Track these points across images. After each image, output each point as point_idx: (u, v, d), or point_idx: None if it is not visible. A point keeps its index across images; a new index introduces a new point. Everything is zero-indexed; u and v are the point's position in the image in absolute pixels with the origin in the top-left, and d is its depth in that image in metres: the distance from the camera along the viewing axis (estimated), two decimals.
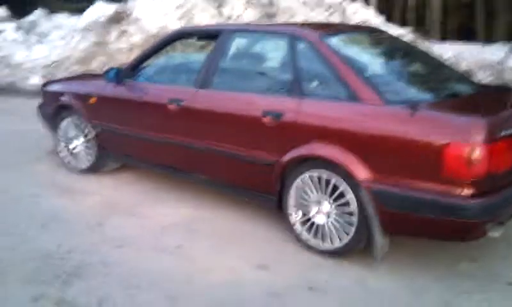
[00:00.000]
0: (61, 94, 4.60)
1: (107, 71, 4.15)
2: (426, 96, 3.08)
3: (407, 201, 2.70)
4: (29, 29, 12.17)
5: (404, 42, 4.14)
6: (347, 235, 2.96)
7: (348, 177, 2.87)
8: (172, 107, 3.66)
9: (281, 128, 3.13)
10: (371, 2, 14.11)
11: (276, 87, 3.31)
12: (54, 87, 4.80)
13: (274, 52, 3.57)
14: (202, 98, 3.56)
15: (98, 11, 10.83)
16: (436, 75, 3.56)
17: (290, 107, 3.11)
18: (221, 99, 3.49)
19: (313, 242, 3.12)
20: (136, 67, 4.13)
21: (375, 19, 11.37)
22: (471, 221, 2.59)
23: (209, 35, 3.93)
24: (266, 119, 3.17)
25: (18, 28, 11.80)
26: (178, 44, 4.09)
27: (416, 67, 3.63)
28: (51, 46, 11.03)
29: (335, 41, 3.28)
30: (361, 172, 2.81)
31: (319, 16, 10.91)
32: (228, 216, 3.66)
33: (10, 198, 4.01)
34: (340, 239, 3.00)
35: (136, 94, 3.97)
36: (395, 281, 2.84)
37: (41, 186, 4.28)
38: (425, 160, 2.63)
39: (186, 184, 4.10)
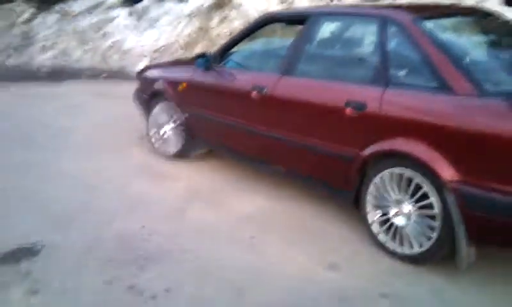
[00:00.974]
0: (154, 80, 4.73)
1: (196, 57, 4.18)
2: None
3: (498, 206, 2.40)
4: (141, 15, 12.81)
5: None
6: (429, 240, 2.70)
7: (433, 177, 2.61)
8: (254, 94, 3.60)
9: (363, 120, 2.93)
10: None
11: (361, 75, 3.09)
12: (148, 73, 4.95)
13: (362, 37, 3.35)
14: (284, 85, 3.44)
15: None
16: None
17: (374, 97, 2.89)
18: (303, 87, 3.35)
19: (391, 244, 2.90)
20: (224, 53, 4.11)
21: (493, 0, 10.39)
22: None
23: (297, 19, 3.79)
24: (348, 110, 2.99)
25: (131, 14, 12.46)
26: (267, 29, 3.98)
27: None
28: (160, 31, 11.52)
29: (430, 25, 2.97)
30: (448, 172, 2.54)
31: None
32: (304, 210, 3.54)
33: (104, 179, 4.22)
34: (420, 244, 2.76)
35: (222, 80, 3.96)
36: (476, 295, 2.55)
37: (133, 169, 4.46)
38: None
39: (266, 175, 4.04)
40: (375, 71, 2.98)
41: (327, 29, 3.50)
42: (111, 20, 12.18)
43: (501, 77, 2.80)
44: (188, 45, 10.32)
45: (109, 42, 11.57)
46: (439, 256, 2.72)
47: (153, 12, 12.98)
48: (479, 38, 3.32)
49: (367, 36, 3.25)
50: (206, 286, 2.69)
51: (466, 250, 2.57)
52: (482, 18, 3.54)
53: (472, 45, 3.13)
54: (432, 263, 2.76)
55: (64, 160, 4.71)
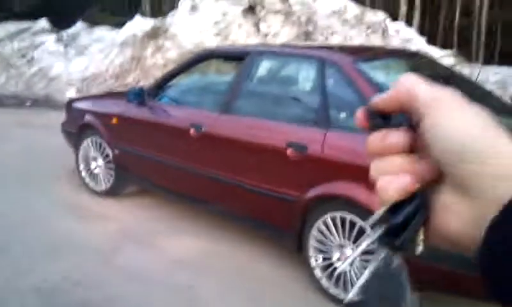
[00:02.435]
0: (85, 112, 4.47)
1: (129, 91, 3.99)
2: None
3: (440, 253, 2.38)
4: (70, 42, 12.36)
5: (446, 68, 3.81)
6: None
7: None
8: (192, 131, 3.45)
9: (304, 162, 2.86)
10: (414, 23, 13.69)
11: (302, 116, 3.04)
12: (78, 105, 4.68)
13: (301, 77, 3.33)
14: (223, 123, 3.33)
15: (137, 26, 10.87)
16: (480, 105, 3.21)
17: (315, 140, 2.84)
18: (242, 126, 3.26)
19: (334, 291, 2.82)
20: (160, 87, 3.95)
21: (417, 40, 10.97)
22: None
23: (236, 56, 3.72)
24: (289, 152, 2.91)
25: (59, 40, 11.99)
26: (205, 65, 3.89)
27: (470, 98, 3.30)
28: (89, 59, 11.14)
29: (368, 67, 3.00)
30: None
31: (358, 35, 10.60)
32: (244, 253, 3.40)
33: (23, 219, 3.88)
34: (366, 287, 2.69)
35: (157, 116, 3.78)
36: None
37: (58, 207, 4.15)
38: None
39: (204, 214, 3.86)
40: (315, 112, 2.94)
41: (266, 67, 3.45)
42: (37, 46, 11.65)
43: None
44: (120, 75, 10.03)
45: (34, 69, 11.03)
46: None
47: (83, 39, 12.58)
48: None
49: (306, 76, 3.23)
50: None
51: (409, 296, 2.52)
52: (412, 58, 3.64)
53: None
54: None
55: None
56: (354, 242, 2.71)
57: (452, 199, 0.37)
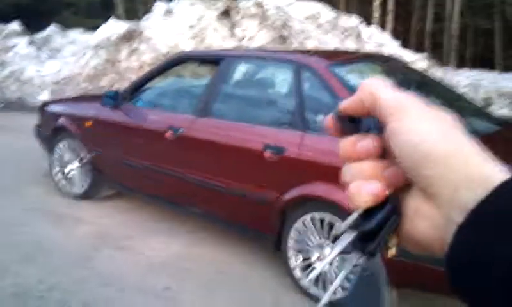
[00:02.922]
0: (59, 115, 4.40)
1: (104, 94, 3.95)
2: None
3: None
4: (42, 44, 12.16)
5: (419, 72, 3.89)
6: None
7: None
8: (169, 134, 3.44)
9: (282, 164, 2.88)
10: (387, 27, 13.90)
11: (278, 118, 3.06)
12: (52, 108, 4.61)
13: (278, 81, 3.35)
14: (200, 127, 3.33)
15: (111, 29, 10.77)
16: (451, 108, 3.29)
17: (293, 142, 2.87)
18: (220, 129, 3.25)
19: (314, 290, 2.84)
20: (135, 91, 3.92)
21: (390, 44, 11.15)
22: None
23: (212, 60, 3.72)
24: (267, 154, 2.93)
25: (31, 43, 11.78)
26: (181, 68, 3.87)
27: (430, 100, 3.36)
28: (63, 62, 10.98)
29: (343, 71, 3.04)
30: None
31: (333, 39, 10.71)
32: (222, 255, 3.39)
33: None
34: (344, 290, 2.72)
35: (132, 119, 3.76)
36: None
37: (32, 211, 4.07)
38: None
39: (181, 216, 3.84)
40: (292, 115, 2.96)
41: (242, 71, 3.46)
42: (9, 48, 11.42)
43: None
44: (94, 78, 9.91)
45: (6, 71, 10.81)
46: None
47: (56, 42, 12.40)
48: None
49: (282, 80, 3.26)
50: None
51: (388, 294, 2.56)
52: (385, 62, 3.70)
53: None
54: None
55: None
56: (333, 242, 2.73)
57: (421, 204, 0.37)
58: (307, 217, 2.81)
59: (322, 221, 2.76)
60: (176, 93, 4.06)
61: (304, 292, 2.88)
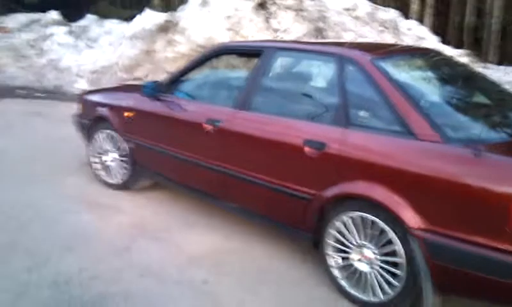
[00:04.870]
0: (98, 105, 4.44)
1: (144, 85, 3.96)
2: (494, 134, 2.69)
3: (465, 257, 2.33)
4: (80, 34, 12.35)
5: (465, 66, 3.75)
6: (393, 288, 2.61)
7: (396, 223, 2.53)
8: (208, 127, 3.42)
9: (322, 160, 2.82)
10: (425, 21, 13.56)
11: (320, 113, 2.99)
12: (92, 98, 4.65)
13: (319, 75, 3.27)
14: (240, 119, 3.29)
15: (147, 20, 10.83)
16: (504, 107, 3.16)
17: (335, 138, 2.80)
18: (260, 122, 3.21)
19: (352, 291, 2.79)
20: (174, 82, 3.91)
21: (429, 38, 10.88)
22: None
23: (252, 52, 3.67)
24: (307, 149, 2.87)
25: (69, 32, 11.98)
26: (220, 60, 3.85)
27: (480, 97, 3.24)
28: (100, 51, 11.12)
29: (388, 65, 2.94)
30: (413, 219, 2.46)
31: (371, 32, 10.52)
32: (259, 250, 3.37)
33: (37, 214, 3.85)
34: (383, 292, 2.66)
35: (172, 110, 3.75)
36: None
37: (72, 201, 4.11)
38: (488, 211, 2.27)
39: (218, 209, 3.83)
40: (334, 110, 2.89)
41: (283, 64, 3.40)
42: (48, 37, 11.63)
43: (460, 121, 2.78)
44: (130, 68, 10.00)
45: (44, 60, 11.02)
46: (404, 305, 2.63)
47: (93, 31, 12.55)
48: (434, 79, 3.32)
49: (323, 73, 3.18)
50: None
51: (432, 300, 2.49)
52: (427, 56, 3.57)
53: (428, 86, 3.12)
54: None
55: None
56: (374, 243, 2.67)
57: None
58: (348, 216, 2.75)
59: (363, 220, 2.69)
60: (215, 85, 4.03)
61: (343, 292, 2.83)
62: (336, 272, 2.86)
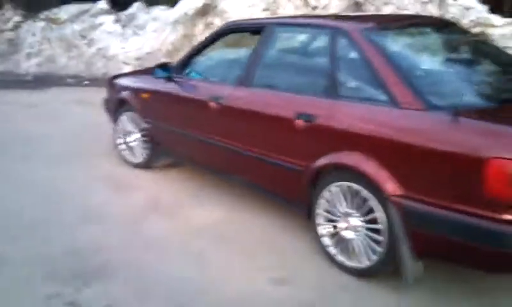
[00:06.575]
0: (121, 88, 4.68)
1: (156, 66, 4.14)
2: (482, 101, 2.64)
3: (441, 222, 2.34)
4: (128, 22, 12.77)
5: (477, 39, 3.63)
6: (375, 254, 2.65)
7: (377, 191, 2.57)
8: (212, 104, 3.55)
9: (312, 132, 2.88)
10: None
11: (311, 86, 3.05)
12: (116, 81, 4.90)
13: (314, 48, 3.30)
14: (239, 95, 3.40)
15: (188, 4, 11.05)
16: (503, 75, 3.08)
17: (323, 110, 2.85)
18: (256, 98, 3.31)
19: (340, 258, 2.85)
20: (186, 63, 4.06)
21: (478, 7, 10.39)
22: None
23: (255, 29, 3.74)
24: (298, 122, 2.94)
25: (117, 20, 12.41)
26: (230, 38, 3.95)
27: (481, 68, 3.15)
28: (145, 38, 11.48)
29: (381, 36, 2.92)
30: (392, 186, 2.49)
31: (413, 5, 10.19)
32: (261, 222, 3.48)
33: (67, 190, 4.17)
34: (368, 258, 2.71)
35: (181, 90, 3.91)
36: None
37: (98, 179, 4.40)
38: (463, 177, 2.26)
39: (229, 185, 3.97)
40: (325, 83, 2.93)
41: (280, 39, 3.45)
42: (97, 26, 12.12)
43: (451, 89, 2.73)
44: (172, 53, 10.27)
45: (93, 49, 11.52)
46: (386, 270, 2.67)
47: (140, 19, 12.93)
48: (433, 50, 3.25)
49: (317, 47, 3.20)
50: (147, 303, 2.63)
51: (411, 265, 2.51)
52: (440, 29, 3.50)
53: (423, 56, 3.07)
54: (382, 277, 2.71)
55: (30, 169, 4.66)
56: (358, 211, 2.71)
57: None
58: (335, 185, 2.80)
59: (349, 189, 2.74)
60: (221, 64, 4.13)
61: (332, 259, 2.90)
62: (326, 241, 2.93)
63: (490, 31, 9.48)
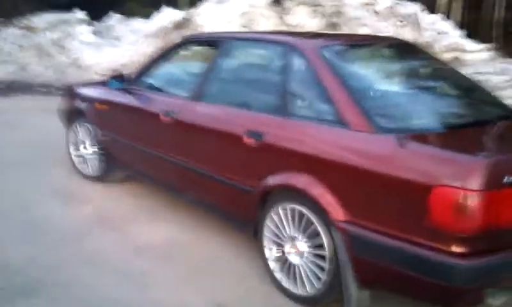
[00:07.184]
0: (75, 97, 4.53)
1: (110, 77, 4.00)
2: (433, 125, 2.54)
3: (385, 251, 2.22)
4: (105, 33, 12.64)
5: (435, 60, 3.56)
6: (320, 282, 2.52)
7: (323, 215, 2.44)
8: (164, 118, 3.41)
9: (260, 150, 2.75)
10: (452, 15, 13.07)
11: (262, 103, 2.93)
12: (72, 90, 4.74)
13: (267, 64, 3.19)
14: (190, 110, 3.27)
15: (165, 17, 10.98)
16: (457, 99, 3.01)
17: (272, 128, 2.73)
18: (207, 113, 3.18)
19: (286, 283, 2.71)
20: (142, 74, 3.93)
21: (452, 33, 10.51)
22: (460, 287, 2.06)
23: (212, 43, 3.63)
24: (247, 139, 2.81)
25: (94, 31, 12.27)
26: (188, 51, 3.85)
27: (434, 90, 3.06)
28: (122, 49, 11.35)
29: (336, 55, 2.83)
30: (338, 211, 2.37)
31: (389, 27, 10.26)
32: (211, 242, 3.32)
33: (9, 201, 3.96)
34: (312, 286, 2.57)
35: (134, 102, 3.77)
36: None
37: (45, 190, 4.21)
38: (408, 204, 2.15)
39: (186, 203, 3.79)
40: (276, 100, 2.81)
41: (235, 54, 3.35)
42: (74, 36, 11.95)
43: (402, 112, 2.63)
44: None
45: (69, 59, 11.34)
46: (331, 298, 2.53)
47: (118, 31, 12.83)
48: (389, 71, 3.14)
49: (271, 63, 3.09)
50: None
51: (355, 294, 2.39)
52: (400, 51, 3.43)
53: (378, 78, 2.97)
54: (330, 305, 2.57)
55: None
56: (304, 235, 2.58)
57: None
58: (281, 207, 2.67)
59: (294, 212, 2.61)
60: (177, 76, 4.00)
61: (278, 283, 2.75)
62: (272, 265, 2.79)
63: (464, 56, 9.56)
